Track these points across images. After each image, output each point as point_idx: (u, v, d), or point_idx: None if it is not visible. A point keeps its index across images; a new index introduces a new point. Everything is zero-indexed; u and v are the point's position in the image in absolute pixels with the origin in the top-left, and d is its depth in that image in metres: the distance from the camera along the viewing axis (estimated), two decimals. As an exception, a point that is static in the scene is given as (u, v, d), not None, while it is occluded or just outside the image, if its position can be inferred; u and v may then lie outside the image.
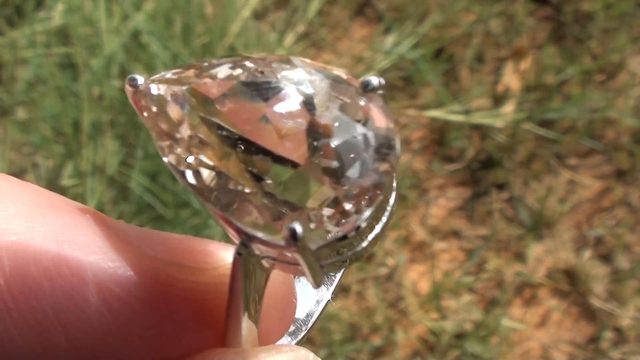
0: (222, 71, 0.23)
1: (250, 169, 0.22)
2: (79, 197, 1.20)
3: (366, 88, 0.23)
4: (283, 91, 0.22)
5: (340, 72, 0.24)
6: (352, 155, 0.22)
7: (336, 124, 0.22)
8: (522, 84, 1.35)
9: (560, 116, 1.31)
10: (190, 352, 0.24)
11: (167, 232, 0.25)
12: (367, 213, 0.22)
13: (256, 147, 0.22)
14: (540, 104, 1.33)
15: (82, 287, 0.22)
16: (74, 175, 1.22)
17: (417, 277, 1.20)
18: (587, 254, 1.22)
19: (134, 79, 0.23)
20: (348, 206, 0.22)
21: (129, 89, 0.23)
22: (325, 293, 0.27)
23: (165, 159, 0.23)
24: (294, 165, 0.22)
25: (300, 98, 0.22)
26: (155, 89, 0.23)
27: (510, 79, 1.36)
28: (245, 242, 0.22)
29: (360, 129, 0.22)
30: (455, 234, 1.24)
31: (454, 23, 1.41)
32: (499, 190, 1.28)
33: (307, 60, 0.24)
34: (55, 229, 0.23)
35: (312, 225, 0.22)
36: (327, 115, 0.22)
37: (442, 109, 1.31)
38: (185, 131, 0.22)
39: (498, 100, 1.34)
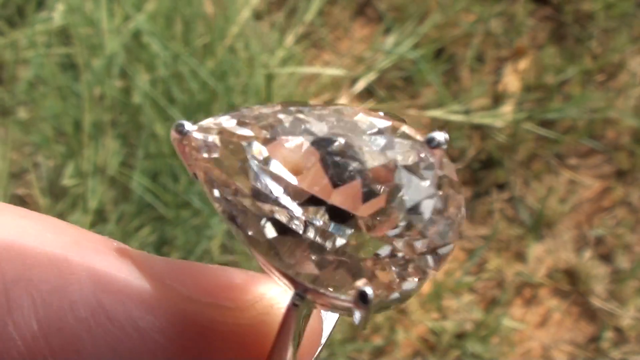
0: (293, 141, 0.23)
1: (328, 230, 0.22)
2: (80, 197, 1.20)
3: (431, 144, 0.23)
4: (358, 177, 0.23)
5: (406, 128, 0.24)
6: (424, 216, 0.22)
7: (407, 184, 0.23)
8: (522, 84, 1.35)
9: (560, 116, 1.31)
10: None
11: (192, 262, 0.24)
12: (430, 272, 0.23)
13: (332, 208, 0.22)
14: (541, 104, 1.33)
15: (123, 338, 0.22)
16: (75, 175, 1.22)
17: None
18: (588, 253, 1.22)
19: (181, 125, 0.23)
20: (413, 263, 0.23)
21: (175, 136, 0.23)
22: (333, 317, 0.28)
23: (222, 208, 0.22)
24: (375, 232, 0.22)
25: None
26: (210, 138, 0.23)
27: (511, 79, 1.36)
28: (301, 293, 0.22)
29: (432, 192, 0.23)
30: (456, 233, 1.24)
31: (455, 23, 1.41)
32: (500, 190, 1.28)
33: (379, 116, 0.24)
34: (88, 274, 0.22)
35: (375, 281, 0.22)
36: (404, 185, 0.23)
37: (443, 109, 1.31)
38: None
39: (498, 100, 1.34)
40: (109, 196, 1.20)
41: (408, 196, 0.22)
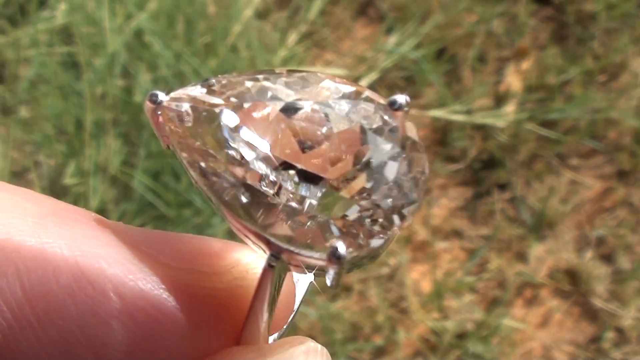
0: (253, 89, 0.24)
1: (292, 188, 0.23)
2: (82, 196, 1.20)
3: (393, 106, 0.25)
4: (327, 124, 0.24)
5: (369, 92, 0.25)
6: (389, 177, 0.24)
7: (372, 147, 0.24)
8: (524, 84, 1.35)
9: (562, 116, 1.31)
10: (209, 352, 0.24)
11: (169, 232, 0.25)
12: (396, 229, 0.23)
13: (302, 172, 0.23)
14: (542, 104, 1.33)
15: (105, 302, 0.22)
16: (77, 174, 1.22)
17: (418, 277, 1.20)
18: (589, 254, 1.22)
19: (155, 95, 0.24)
20: (380, 221, 0.23)
21: (149, 105, 0.24)
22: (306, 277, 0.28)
23: (202, 164, 0.23)
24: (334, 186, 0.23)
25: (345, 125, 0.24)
26: (182, 107, 0.24)
27: (512, 79, 1.36)
28: (276, 254, 0.23)
29: (396, 153, 0.24)
30: (457, 233, 1.24)
31: (457, 23, 1.41)
32: (501, 190, 1.28)
33: (335, 80, 0.25)
34: (68, 241, 0.23)
35: (347, 239, 0.23)
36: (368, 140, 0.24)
37: (444, 108, 1.31)
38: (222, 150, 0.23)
39: (500, 100, 1.34)
40: (110, 195, 1.20)
41: (374, 158, 0.24)
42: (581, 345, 1.16)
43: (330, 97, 0.25)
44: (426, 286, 1.19)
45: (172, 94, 0.24)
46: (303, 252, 0.23)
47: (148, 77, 1.25)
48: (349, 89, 0.25)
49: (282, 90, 0.24)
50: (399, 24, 1.40)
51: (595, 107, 1.32)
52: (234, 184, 0.23)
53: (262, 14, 1.41)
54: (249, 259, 0.25)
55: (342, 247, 0.22)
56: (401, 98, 0.25)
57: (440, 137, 1.32)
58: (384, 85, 1.36)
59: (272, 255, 0.23)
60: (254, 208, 0.23)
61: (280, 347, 0.25)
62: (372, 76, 1.34)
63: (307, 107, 0.24)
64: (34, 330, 0.22)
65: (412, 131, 0.25)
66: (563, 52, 1.38)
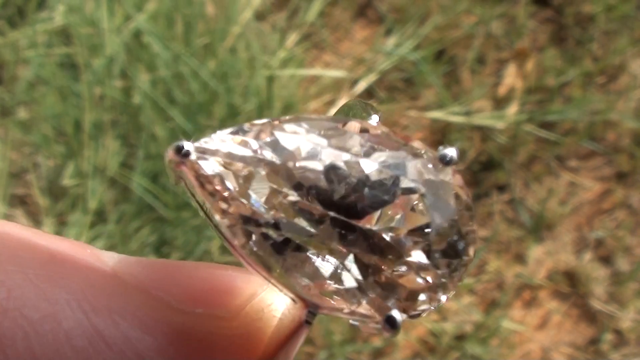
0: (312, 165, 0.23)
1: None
2: (80, 198, 1.20)
3: (444, 160, 0.24)
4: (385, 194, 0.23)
5: (418, 145, 0.25)
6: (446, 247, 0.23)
7: (433, 214, 0.23)
8: (523, 85, 1.35)
9: (561, 118, 1.31)
10: None
11: (173, 263, 0.24)
12: (449, 295, 0.23)
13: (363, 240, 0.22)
14: (541, 105, 1.33)
15: None
16: (75, 175, 1.22)
17: (417, 279, 1.20)
18: (588, 256, 1.22)
19: (181, 147, 0.22)
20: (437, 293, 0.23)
21: (173, 158, 0.22)
22: None
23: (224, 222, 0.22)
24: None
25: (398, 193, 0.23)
26: (212, 167, 0.23)
27: (512, 81, 1.36)
28: (314, 311, 0.22)
29: (452, 219, 0.24)
30: (456, 235, 1.24)
31: (456, 25, 1.41)
32: (500, 191, 1.28)
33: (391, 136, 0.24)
34: (76, 296, 0.21)
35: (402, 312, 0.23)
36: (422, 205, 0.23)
37: (443, 110, 1.31)
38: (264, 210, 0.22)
39: (499, 102, 1.34)
40: (108, 197, 1.20)
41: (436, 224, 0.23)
42: (580, 347, 1.16)
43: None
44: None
45: (204, 146, 0.23)
46: (357, 319, 0.23)
47: (146, 78, 1.25)
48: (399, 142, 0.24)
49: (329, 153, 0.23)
50: (398, 25, 1.40)
51: (594, 108, 1.32)
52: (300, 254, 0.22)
53: (261, 15, 1.41)
54: (263, 294, 0.24)
55: (398, 317, 0.22)
56: (452, 151, 0.24)
57: (439, 139, 1.32)
58: (383, 86, 1.36)
59: (310, 312, 0.22)
60: (290, 263, 0.22)
61: None
62: (371, 77, 1.34)
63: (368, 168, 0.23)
64: None
65: (462, 189, 0.24)
66: (562, 54, 1.38)
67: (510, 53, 1.39)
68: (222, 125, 1.23)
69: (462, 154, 1.30)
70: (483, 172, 1.29)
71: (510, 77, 1.37)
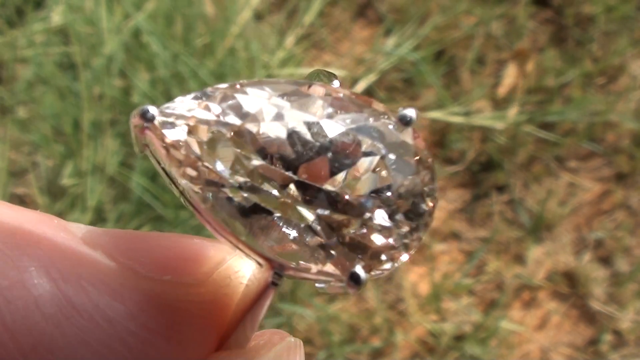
0: (268, 121, 0.23)
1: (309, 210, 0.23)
2: (79, 197, 1.20)
3: (404, 121, 0.25)
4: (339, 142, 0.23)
5: (379, 107, 0.25)
6: (409, 199, 0.24)
7: (393, 167, 0.24)
8: (522, 86, 1.35)
9: (560, 119, 1.31)
10: (196, 357, 0.23)
11: (139, 233, 0.24)
12: (410, 253, 0.24)
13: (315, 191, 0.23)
14: (541, 106, 1.33)
15: (94, 329, 0.21)
16: (74, 174, 1.21)
17: (416, 279, 1.20)
18: (587, 256, 1.22)
19: (146, 111, 0.23)
20: (397, 247, 0.24)
21: (138, 122, 0.23)
22: None
23: (194, 188, 0.23)
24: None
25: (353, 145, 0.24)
26: (179, 133, 0.23)
27: (511, 81, 1.36)
28: (280, 272, 0.23)
29: (415, 175, 0.24)
30: (455, 235, 1.24)
31: (455, 25, 1.41)
32: (499, 192, 1.28)
33: (344, 93, 0.25)
34: (46, 264, 0.21)
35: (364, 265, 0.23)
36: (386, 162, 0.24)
37: (443, 110, 1.31)
38: (224, 168, 0.23)
39: (499, 102, 1.34)
40: (108, 196, 1.20)
41: (398, 176, 0.24)
42: (579, 348, 1.15)
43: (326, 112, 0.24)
44: (424, 288, 1.19)
45: (168, 111, 0.23)
46: (320, 275, 0.23)
47: (146, 77, 1.25)
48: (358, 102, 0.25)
49: (286, 108, 0.24)
50: (398, 25, 1.40)
51: (593, 109, 1.32)
52: (239, 203, 0.22)
53: (260, 15, 1.40)
54: (230, 261, 0.24)
55: (362, 274, 0.22)
56: (411, 112, 0.25)
57: (439, 139, 1.32)
58: (383, 86, 1.36)
59: (275, 273, 0.23)
60: (258, 227, 0.22)
61: (264, 347, 0.24)
62: (371, 78, 1.34)
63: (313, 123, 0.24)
64: None
65: (423, 149, 0.25)
66: (562, 55, 1.38)
67: (510, 53, 1.39)
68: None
69: (461, 154, 1.30)
70: (482, 172, 1.29)
71: (510, 78, 1.37)
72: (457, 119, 1.30)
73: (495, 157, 1.29)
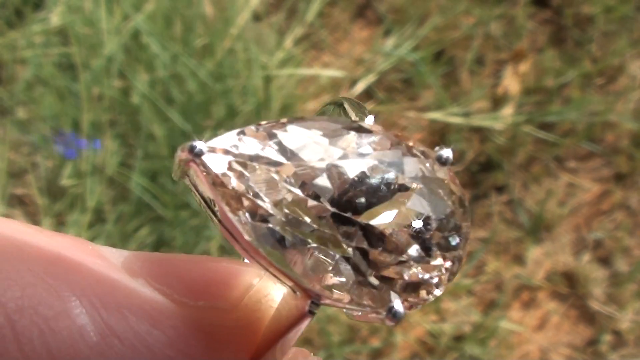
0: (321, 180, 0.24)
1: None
2: (79, 198, 1.20)
3: (440, 160, 0.26)
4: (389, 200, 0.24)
5: (415, 144, 0.26)
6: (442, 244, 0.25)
7: (430, 212, 0.25)
8: (522, 86, 1.35)
9: (560, 119, 1.31)
10: None
11: (173, 257, 0.25)
12: (445, 286, 0.25)
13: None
14: (540, 106, 1.33)
15: (136, 357, 0.22)
16: (74, 175, 1.21)
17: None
18: (586, 257, 1.22)
19: (194, 147, 0.24)
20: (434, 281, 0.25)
21: (185, 157, 0.24)
22: None
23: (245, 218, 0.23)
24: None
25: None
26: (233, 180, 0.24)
27: (510, 82, 1.36)
28: (317, 301, 0.23)
29: (449, 211, 0.25)
30: (455, 236, 1.24)
31: (454, 25, 1.41)
32: (499, 192, 1.28)
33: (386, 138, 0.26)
34: (86, 293, 0.22)
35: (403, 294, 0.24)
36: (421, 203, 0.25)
37: (442, 111, 1.31)
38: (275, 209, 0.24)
39: (498, 102, 1.34)
40: (107, 196, 1.20)
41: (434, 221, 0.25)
42: (578, 348, 1.16)
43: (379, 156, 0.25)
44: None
45: (217, 146, 0.24)
46: (360, 309, 0.24)
47: (145, 78, 1.25)
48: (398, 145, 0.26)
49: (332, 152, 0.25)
50: (397, 26, 1.40)
51: (593, 109, 1.32)
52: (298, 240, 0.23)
53: (259, 16, 1.41)
54: (260, 285, 0.25)
55: (400, 308, 0.23)
56: (448, 152, 0.26)
57: (438, 139, 1.32)
58: (382, 87, 1.36)
59: (313, 302, 0.23)
60: (296, 258, 0.23)
61: None
62: (370, 78, 1.34)
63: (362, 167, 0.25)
64: None
65: (457, 187, 0.26)
66: (561, 55, 1.38)
67: (509, 54, 1.39)
68: (220, 126, 1.23)
69: (460, 154, 1.30)
70: (482, 173, 1.29)
71: (509, 78, 1.37)
72: (457, 120, 1.30)
73: (494, 158, 1.29)
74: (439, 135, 1.32)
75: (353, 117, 0.27)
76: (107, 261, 0.23)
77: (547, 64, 1.37)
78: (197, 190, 0.24)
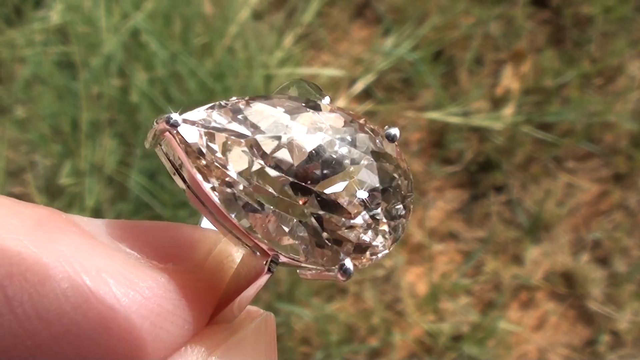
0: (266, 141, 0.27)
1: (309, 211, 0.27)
2: (77, 196, 1.20)
3: (389, 137, 0.29)
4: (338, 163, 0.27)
5: (367, 122, 0.29)
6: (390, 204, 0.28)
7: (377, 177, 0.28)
8: (521, 86, 1.35)
9: (558, 119, 1.31)
10: (196, 332, 0.26)
11: (140, 223, 0.27)
12: (390, 249, 0.28)
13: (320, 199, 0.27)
14: (539, 107, 1.33)
15: (113, 315, 0.24)
16: (72, 174, 1.21)
17: (414, 279, 1.20)
18: (585, 257, 1.22)
19: (170, 118, 0.27)
20: (379, 242, 0.28)
21: (162, 127, 0.26)
22: None
23: (205, 184, 0.26)
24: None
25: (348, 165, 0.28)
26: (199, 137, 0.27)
27: (509, 82, 1.36)
28: (277, 260, 0.26)
29: (395, 182, 0.28)
30: (453, 236, 1.24)
31: (454, 25, 1.41)
32: (497, 192, 1.28)
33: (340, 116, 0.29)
34: (67, 258, 0.23)
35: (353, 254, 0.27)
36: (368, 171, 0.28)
37: (441, 111, 1.31)
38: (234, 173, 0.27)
39: (497, 102, 1.34)
40: (106, 195, 1.20)
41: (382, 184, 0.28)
42: (577, 348, 1.16)
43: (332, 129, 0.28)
44: (422, 288, 1.19)
45: (193, 119, 0.27)
46: (308, 265, 0.27)
47: (144, 77, 1.25)
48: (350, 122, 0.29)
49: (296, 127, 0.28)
50: (396, 25, 1.40)
51: (591, 110, 1.32)
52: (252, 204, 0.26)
53: (258, 15, 1.40)
54: (221, 246, 0.28)
55: (350, 265, 0.26)
56: (396, 130, 0.29)
57: (437, 139, 1.32)
58: (381, 86, 1.36)
59: (272, 260, 0.26)
60: (258, 220, 0.26)
61: (245, 321, 0.28)
62: (369, 77, 1.34)
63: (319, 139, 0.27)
64: (54, 353, 0.23)
65: (403, 161, 0.29)
66: (560, 55, 1.38)
67: (508, 54, 1.39)
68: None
69: (459, 154, 1.30)
70: (480, 173, 1.29)
71: (508, 78, 1.37)
72: (455, 119, 1.30)
73: (493, 158, 1.29)
74: (438, 134, 1.32)
75: (311, 97, 0.30)
76: (81, 229, 0.25)
77: (546, 64, 1.37)
78: (169, 159, 0.27)
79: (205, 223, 0.33)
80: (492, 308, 1.18)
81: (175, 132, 0.26)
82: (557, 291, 1.20)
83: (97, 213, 1.19)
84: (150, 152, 1.19)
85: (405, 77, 1.37)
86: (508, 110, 1.32)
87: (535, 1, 1.44)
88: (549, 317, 1.18)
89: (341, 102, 1.32)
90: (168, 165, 0.27)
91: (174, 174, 0.27)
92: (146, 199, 1.17)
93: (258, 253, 0.26)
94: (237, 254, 0.28)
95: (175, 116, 0.26)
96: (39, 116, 1.28)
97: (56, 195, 1.22)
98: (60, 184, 1.21)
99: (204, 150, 0.26)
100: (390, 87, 1.36)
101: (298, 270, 0.27)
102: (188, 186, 0.27)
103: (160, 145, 0.27)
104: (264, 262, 0.26)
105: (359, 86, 1.34)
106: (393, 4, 1.44)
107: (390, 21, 1.42)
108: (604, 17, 1.40)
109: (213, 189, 0.26)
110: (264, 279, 0.26)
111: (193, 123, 0.27)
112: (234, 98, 0.28)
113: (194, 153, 0.26)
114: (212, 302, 0.27)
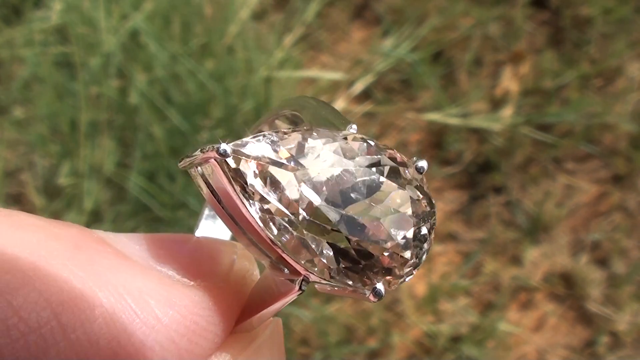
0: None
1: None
2: (76, 197, 1.20)
3: (417, 169, 0.30)
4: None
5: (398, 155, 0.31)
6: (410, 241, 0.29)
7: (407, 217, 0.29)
8: (520, 88, 1.36)
9: (558, 120, 1.31)
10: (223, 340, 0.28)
11: (163, 236, 0.28)
12: (414, 272, 0.30)
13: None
14: (538, 108, 1.33)
15: (151, 334, 0.25)
16: (71, 174, 1.21)
17: (413, 280, 1.20)
18: (584, 258, 1.22)
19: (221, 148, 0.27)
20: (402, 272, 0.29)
21: (213, 156, 0.27)
22: None
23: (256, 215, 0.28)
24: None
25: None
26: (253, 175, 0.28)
27: (509, 83, 1.36)
28: (307, 279, 0.27)
29: (425, 212, 0.30)
30: (452, 237, 1.24)
31: (453, 26, 1.41)
32: (497, 193, 1.28)
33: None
34: (109, 282, 0.24)
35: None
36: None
37: (440, 112, 1.31)
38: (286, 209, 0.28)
39: (496, 103, 1.34)
40: (104, 196, 1.20)
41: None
42: (576, 349, 1.16)
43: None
44: (421, 289, 1.19)
45: (235, 146, 0.28)
46: (341, 286, 0.28)
47: (143, 78, 1.25)
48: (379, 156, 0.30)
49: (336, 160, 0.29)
50: (396, 26, 1.40)
51: (591, 111, 1.32)
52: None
53: (258, 16, 1.40)
54: (240, 261, 0.30)
55: (381, 288, 0.27)
56: (424, 163, 0.30)
57: (436, 140, 1.32)
58: (380, 87, 1.36)
59: (303, 279, 0.27)
60: (295, 243, 0.27)
61: (260, 328, 0.29)
62: (369, 79, 1.34)
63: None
64: None
65: (428, 190, 0.31)
66: (559, 56, 1.39)
67: (507, 55, 1.39)
68: (219, 126, 1.23)
69: (458, 155, 1.30)
70: (480, 174, 1.30)
71: (507, 79, 1.37)
72: (455, 121, 1.30)
73: (492, 159, 1.29)
74: (437, 136, 1.32)
75: (339, 124, 0.31)
76: (114, 248, 0.26)
77: (545, 66, 1.37)
78: (207, 183, 0.28)
79: (202, 230, 0.37)
80: (491, 309, 1.18)
81: (222, 160, 0.27)
82: (556, 292, 1.20)
83: (95, 214, 1.19)
84: (150, 154, 1.19)
85: (404, 78, 1.37)
86: (507, 112, 1.32)
87: (534, 2, 1.44)
88: (548, 318, 1.18)
89: (340, 103, 1.32)
90: (204, 188, 0.28)
91: (210, 197, 0.28)
92: (145, 201, 1.17)
93: (287, 270, 0.28)
94: (256, 269, 0.30)
95: (224, 146, 0.27)
96: (37, 116, 1.27)
97: (54, 196, 1.22)
98: (58, 185, 1.21)
99: (251, 178, 0.28)
100: (390, 88, 1.36)
101: (316, 285, 0.29)
102: (223, 207, 0.28)
103: (196, 168, 0.28)
104: (295, 281, 0.28)
105: (359, 87, 1.34)
106: (392, 5, 1.44)
107: (389, 22, 1.42)
108: (604, 18, 1.40)
109: (256, 213, 0.27)
110: (292, 296, 0.28)
111: (242, 153, 0.28)
112: (286, 129, 0.30)
113: (238, 180, 0.27)
114: (236, 315, 0.28)
